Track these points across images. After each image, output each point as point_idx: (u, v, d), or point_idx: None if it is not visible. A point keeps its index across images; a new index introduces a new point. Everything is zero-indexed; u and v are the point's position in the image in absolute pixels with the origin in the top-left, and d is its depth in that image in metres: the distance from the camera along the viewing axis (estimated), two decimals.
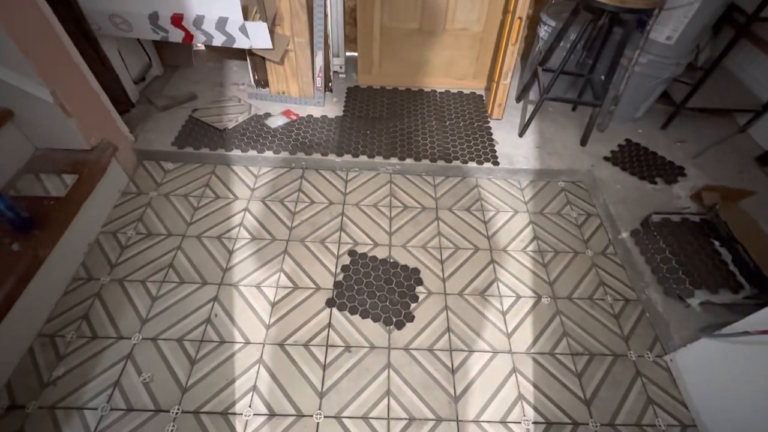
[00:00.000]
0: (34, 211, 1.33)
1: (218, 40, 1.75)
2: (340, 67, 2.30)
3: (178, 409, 1.18)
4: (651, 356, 1.38)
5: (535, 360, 1.34)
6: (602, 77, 1.88)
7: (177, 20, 1.67)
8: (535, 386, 1.29)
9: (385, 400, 1.23)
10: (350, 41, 2.33)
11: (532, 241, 1.69)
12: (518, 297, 1.51)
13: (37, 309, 1.31)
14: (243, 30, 1.70)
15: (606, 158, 1.97)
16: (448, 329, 1.40)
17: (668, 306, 1.42)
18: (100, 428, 1.13)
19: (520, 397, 1.26)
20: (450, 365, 1.32)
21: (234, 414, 1.18)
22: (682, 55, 1.84)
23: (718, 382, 1.19)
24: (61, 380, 1.21)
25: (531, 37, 2.36)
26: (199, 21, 1.67)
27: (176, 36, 1.73)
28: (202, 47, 2.39)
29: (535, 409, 1.24)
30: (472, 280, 1.54)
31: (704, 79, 1.95)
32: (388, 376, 1.28)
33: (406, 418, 1.20)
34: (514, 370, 1.32)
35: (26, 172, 1.48)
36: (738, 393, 1.14)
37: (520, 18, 1.77)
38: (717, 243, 1.55)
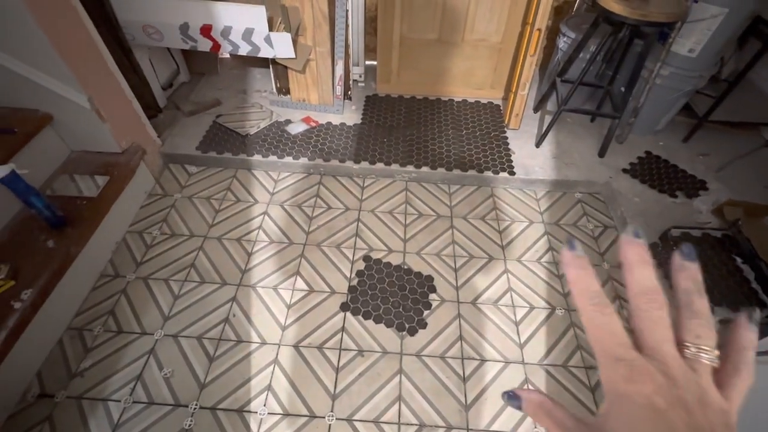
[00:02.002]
0: (68, 210, 1.40)
1: (244, 50, 1.82)
2: (360, 76, 2.35)
3: (196, 405, 1.22)
4: None
5: (547, 372, 1.34)
6: (622, 89, 1.87)
7: (206, 30, 1.75)
8: None
9: (396, 405, 1.25)
10: (370, 50, 2.38)
11: (546, 251, 1.69)
12: (532, 307, 1.50)
13: (68, 303, 1.37)
14: (268, 40, 1.77)
15: (625, 170, 1.95)
16: (461, 337, 1.41)
17: None
18: (123, 420, 1.18)
19: None
20: (461, 373, 1.32)
21: (249, 412, 1.21)
22: (704, 68, 1.82)
23: None
24: (87, 372, 1.27)
25: (550, 47, 2.37)
26: (226, 31, 1.75)
27: (204, 45, 1.81)
28: (227, 56, 2.48)
29: None
30: (486, 289, 1.55)
31: (728, 92, 1.92)
32: (400, 381, 1.30)
33: (416, 424, 1.21)
34: (527, 380, 1.32)
35: (62, 173, 1.57)
36: (755, 413, 1.11)
37: (540, 30, 1.78)
38: (739, 259, 1.51)
